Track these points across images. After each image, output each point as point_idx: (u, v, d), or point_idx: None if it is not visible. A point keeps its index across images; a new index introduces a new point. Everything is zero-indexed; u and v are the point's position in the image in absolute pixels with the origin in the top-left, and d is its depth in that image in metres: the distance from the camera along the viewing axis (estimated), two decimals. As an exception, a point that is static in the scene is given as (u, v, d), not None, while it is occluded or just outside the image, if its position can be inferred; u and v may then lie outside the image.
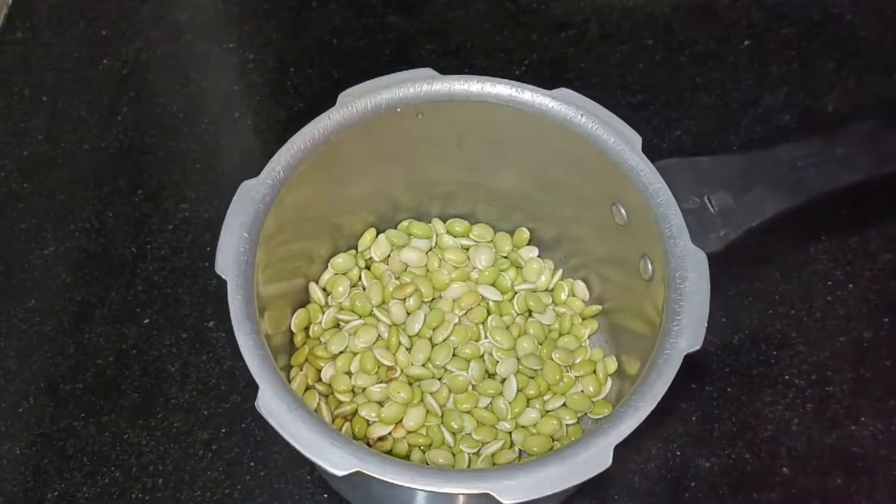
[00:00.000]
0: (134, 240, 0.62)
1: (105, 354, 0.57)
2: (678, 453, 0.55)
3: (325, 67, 0.70)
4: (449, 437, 0.51)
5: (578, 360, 0.54)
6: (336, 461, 0.39)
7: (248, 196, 0.46)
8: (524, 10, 0.74)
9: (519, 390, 0.52)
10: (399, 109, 0.49)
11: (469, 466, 0.51)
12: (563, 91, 0.49)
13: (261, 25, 0.73)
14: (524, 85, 0.49)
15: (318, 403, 0.51)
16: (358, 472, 0.39)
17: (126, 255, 0.61)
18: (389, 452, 0.50)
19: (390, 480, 0.39)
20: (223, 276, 0.44)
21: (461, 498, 0.42)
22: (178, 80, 0.70)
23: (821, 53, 0.72)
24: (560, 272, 0.57)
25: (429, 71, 0.50)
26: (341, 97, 0.49)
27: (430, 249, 0.57)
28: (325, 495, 0.53)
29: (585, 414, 0.53)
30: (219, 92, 0.69)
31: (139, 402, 0.56)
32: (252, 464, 0.54)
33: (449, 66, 0.53)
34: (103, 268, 0.61)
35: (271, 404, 0.40)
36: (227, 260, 0.44)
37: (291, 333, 0.53)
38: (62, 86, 0.69)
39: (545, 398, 0.53)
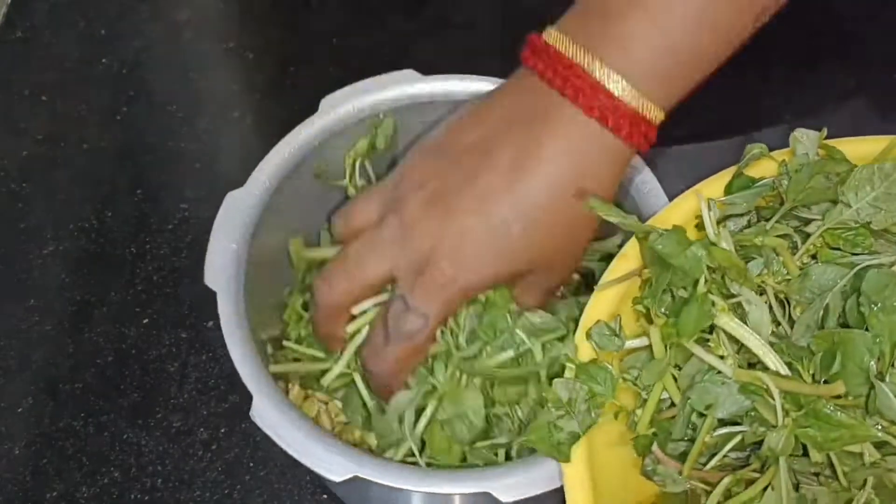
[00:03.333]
0: (134, 240, 0.62)
1: (105, 354, 0.57)
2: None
3: (325, 67, 0.70)
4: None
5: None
6: (332, 467, 0.39)
7: (234, 207, 0.46)
8: (524, 11, 0.74)
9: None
10: (381, 115, 0.49)
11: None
12: None
13: (261, 25, 0.73)
14: None
15: (318, 411, 0.51)
16: (355, 477, 0.39)
17: (126, 255, 0.61)
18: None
19: (389, 484, 0.39)
20: (213, 288, 0.44)
21: (457, 499, 0.42)
22: (178, 80, 0.70)
23: (821, 53, 0.72)
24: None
25: (410, 72, 0.50)
26: (323, 103, 0.49)
27: None
28: (325, 496, 0.53)
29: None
30: (219, 92, 0.69)
31: (139, 401, 0.56)
32: (252, 464, 0.54)
33: (449, 66, 0.53)
34: (103, 268, 0.61)
35: (265, 412, 0.41)
36: (215, 272, 0.45)
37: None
38: (62, 86, 0.69)
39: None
